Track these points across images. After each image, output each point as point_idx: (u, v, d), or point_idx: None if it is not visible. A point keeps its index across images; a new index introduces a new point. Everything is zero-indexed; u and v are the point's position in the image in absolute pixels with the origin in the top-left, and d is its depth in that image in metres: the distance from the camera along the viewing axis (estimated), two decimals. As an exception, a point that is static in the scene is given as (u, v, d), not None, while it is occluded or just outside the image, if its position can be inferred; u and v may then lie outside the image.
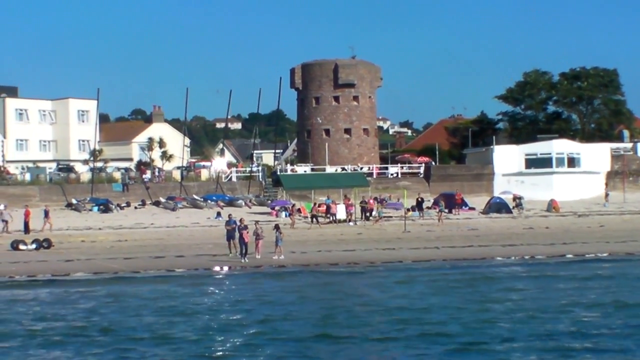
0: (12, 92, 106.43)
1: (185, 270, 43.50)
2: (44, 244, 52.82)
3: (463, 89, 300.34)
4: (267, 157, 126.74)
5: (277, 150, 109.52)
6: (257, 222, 46.79)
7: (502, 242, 54.20)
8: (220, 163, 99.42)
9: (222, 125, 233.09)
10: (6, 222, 62.94)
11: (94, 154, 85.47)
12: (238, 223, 46.16)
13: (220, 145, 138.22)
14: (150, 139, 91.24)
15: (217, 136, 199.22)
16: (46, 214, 65.22)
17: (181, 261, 46.41)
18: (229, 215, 50.57)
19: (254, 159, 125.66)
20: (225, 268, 44.21)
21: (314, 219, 68.47)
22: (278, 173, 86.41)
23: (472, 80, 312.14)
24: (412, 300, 33.41)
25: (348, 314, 30.40)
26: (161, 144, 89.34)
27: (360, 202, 71.50)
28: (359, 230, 63.16)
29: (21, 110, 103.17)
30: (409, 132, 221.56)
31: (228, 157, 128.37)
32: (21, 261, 46.61)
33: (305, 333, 27.04)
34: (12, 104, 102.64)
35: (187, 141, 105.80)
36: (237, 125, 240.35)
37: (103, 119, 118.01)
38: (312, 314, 30.68)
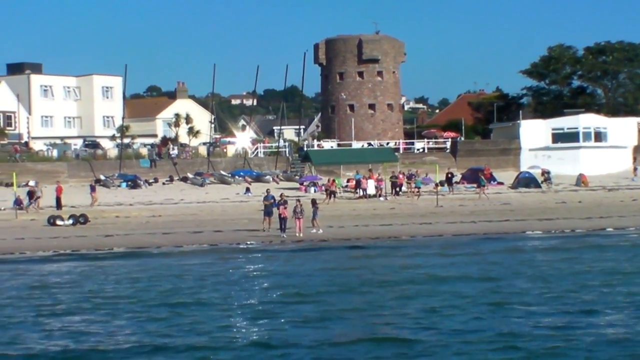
0: (37, 68, 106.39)
1: (228, 244, 43.58)
2: (80, 220, 52.94)
3: (484, 65, 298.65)
4: (288, 132, 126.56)
5: (299, 126, 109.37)
6: (298, 199, 46.70)
7: (537, 217, 54.08)
8: (244, 139, 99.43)
9: (238, 101, 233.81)
10: (38, 197, 63.02)
11: (122, 130, 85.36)
12: (278, 198, 46.09)
13: (242, 122, 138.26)
14: (177, 115, 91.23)
15: (232, 112, 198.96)
16: (92, 189, 65.30)
17: (220, 236, 46.46)
18: (267, 190, 50.56)
19: (276, 134, 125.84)
20: (264, 242, 44.21)
21: (332, 195, 67.91)
22: (306, 148, 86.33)
23: (493, 55, 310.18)
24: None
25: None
26: (188, 119, 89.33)
27: (390, 177, 71.42)
28: (391, 205, 63.10)
29: (46, 86, 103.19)
30: (425, 108, 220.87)
31: (250, 133, 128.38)
32: (61, 236, 46.74)
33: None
34: (37, 80, 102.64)
35: (212, 117, 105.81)
36: (251, 102, 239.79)
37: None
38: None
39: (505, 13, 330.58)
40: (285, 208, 44.91)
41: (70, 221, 52.50)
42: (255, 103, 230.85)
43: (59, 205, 62.27)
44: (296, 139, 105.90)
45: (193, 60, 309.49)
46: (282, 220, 44.75)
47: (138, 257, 39.91)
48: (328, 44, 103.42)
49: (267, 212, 46.19)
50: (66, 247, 42.83)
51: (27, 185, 73.15)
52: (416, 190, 69.40)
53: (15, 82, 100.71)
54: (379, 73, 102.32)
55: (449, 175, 73.95)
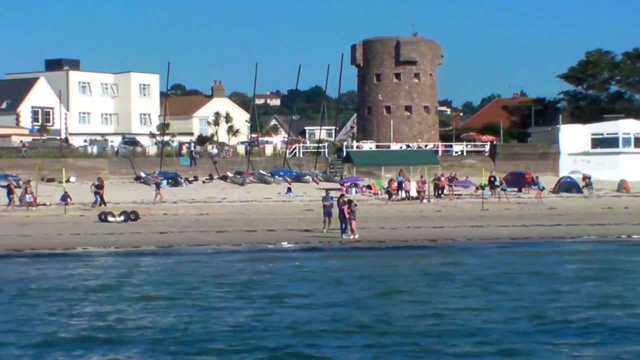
0: (75, 65, 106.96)
1: (288, 244, 43.72)
2: (131, 216, 53.11)
3: (517, 68, 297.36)
4: (319, 133, 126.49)
5: (331, 127, 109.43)
6: (351, 201, 46.73)
7: (587, 222, 53.90)
8: (278, 139, 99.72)
9: (262, 101, 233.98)
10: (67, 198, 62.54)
11: (163, 128, 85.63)
12: (341, 200, 46.01)
13: (273, 121, 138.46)
14: (217, 114, 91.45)
15: (257, 112, 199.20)
16: (157, 186, 65.64)
17: (275, 235, 46.46)
18: (326, 191, 50.54)
19: (307, 135, 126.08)
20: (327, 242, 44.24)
21: (390, 196, 68.22)
22: (346, 149, 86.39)
23: (526, 59, 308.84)
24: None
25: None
26: (228, 118, 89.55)
27: (433, 180, 71.37)
28: (437, 208, 63.05)
29: (84, 83, 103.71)
30: (448, 111, 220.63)
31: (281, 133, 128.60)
32: (115, 232, 46.89)
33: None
34: (75, 77, 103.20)
35: (247, 116, 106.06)
36: (276, 102, 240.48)
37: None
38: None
39: (540, 17, 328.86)
40: (347, 209, 44.80)
41: (122, 218, 52.69)
42: (276, 103, 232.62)
43: (101, 201, 62.36)
44: (327, 139, 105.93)
45: (219, 59, 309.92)
46: (343, 221, 44.69)
47: (214, 254, 40.04)
48: (365, 45, 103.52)
49: (327, 213, 46.13)
50: (125, 243, 42.99)
51: (68, 180, 73.54)
52: (504, 193, 69.21)
53: (54, 78, 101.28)
54: (416, 75, 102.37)
55: (492, 179, 73.79)
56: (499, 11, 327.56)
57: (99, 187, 61.45)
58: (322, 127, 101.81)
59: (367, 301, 27.93)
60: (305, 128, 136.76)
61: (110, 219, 52.43)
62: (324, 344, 21.67)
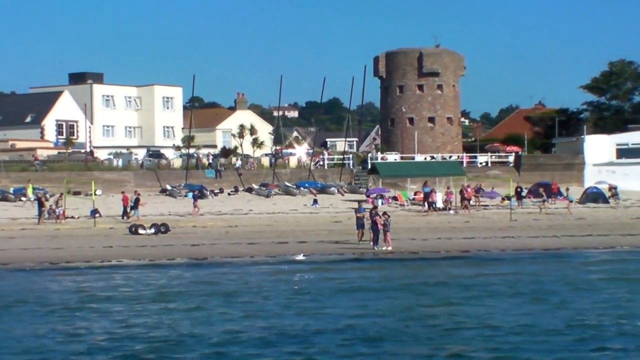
0: (98, 78, 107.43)
1: (320, 255, 43.72)
2: (161, 229, 53.22)
3: (535, 79, 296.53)
4: (341, 145, 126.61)
5: (353, 139, 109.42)
6: (385, 212, 46.71)
7: (618, 232, 53.72)
8: (301, 151, 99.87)
9: (280, 113, 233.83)
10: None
11: (188, 140, 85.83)
12: (373, 211, 45.98)
13: (295, 133, 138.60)
14: (242, 126, 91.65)
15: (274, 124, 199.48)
16: (195, 198, 66.23)
17: (308, 247, 46.47)
18: (359, 203, 50.61)
19: (329, 146, 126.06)
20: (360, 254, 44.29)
21: (431, 206, 68.28)
22: (371, 160, 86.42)
23: (545, 70, 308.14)
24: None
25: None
26: (252, 131, 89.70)
27: (460, 191, 71.29)
28: (466, 219, 62.98)
29: (108, 96, 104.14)
30: (466, 122, 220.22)
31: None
32: (147, 245, 47.01)
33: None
34: (99, 90, 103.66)
35: (269, 128, 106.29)
36: (294, 114, 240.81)
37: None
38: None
39: (557, 29, 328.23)
40: (379, 220, 44.80)
41: (152, 230, 52.80)
42: (294, 114, 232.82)
43: (125, 214, 62.55)
44: (351, 151, 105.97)
45: (236, 72, 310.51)
46: (376, 232, 44.68)
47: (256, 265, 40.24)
48: (388, 57, 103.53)
49: (360, 225, 46.10)
50: (160, 255, 43.08)
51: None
52: (569, 203, 69.05)
53: (78, 92, 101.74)
54: (439, 86, 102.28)
55: (518, 190, 73.66)
56: (516, 22, 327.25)
57: (136, 201, 61.64)
58: (337, 140, 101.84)
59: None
60: (327, 140, 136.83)
61: (140, 231, 52.56)
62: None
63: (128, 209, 62.77)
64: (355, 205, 55.88)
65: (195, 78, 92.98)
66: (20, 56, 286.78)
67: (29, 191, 67.74)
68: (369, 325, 25.68)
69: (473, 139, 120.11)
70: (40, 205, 60.03)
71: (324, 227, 56.77)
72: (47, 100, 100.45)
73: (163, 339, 23.96)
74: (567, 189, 74.49)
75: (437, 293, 32.11)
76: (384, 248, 44.65)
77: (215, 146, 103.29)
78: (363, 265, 40.92)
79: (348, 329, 25.22)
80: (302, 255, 43.66)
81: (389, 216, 45.88)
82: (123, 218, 61.80)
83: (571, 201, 69.87)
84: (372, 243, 45.07)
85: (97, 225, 57.46)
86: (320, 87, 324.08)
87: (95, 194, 73.20)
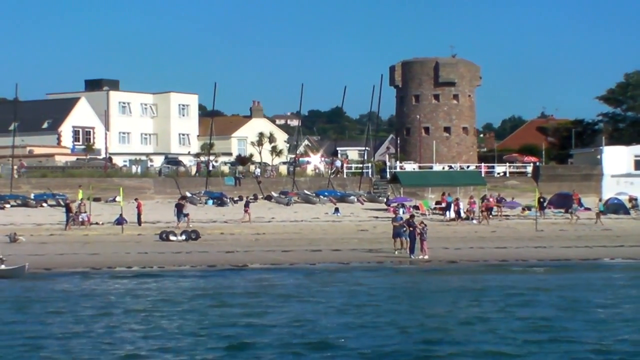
0: (114, 85, 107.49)
1: (359, 263, 43.75)
2: (192, 236, 53.18)
3: (541, 90, 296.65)
4: (352, 154, 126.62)
5: (362, 148, 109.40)
6: (421, 221, 46.70)
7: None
8: (316, 159, 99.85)
9: (282, 122, 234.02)
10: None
11: (208, 147, 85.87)
12: (411, 220, 46.00)
13: (306, 141, 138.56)
14: (261, 134, 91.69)
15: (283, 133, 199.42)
16: (247, 204, 66.29)
17: (341, 255, 46.44)
18: (395, 212, 50.55)
19: (339, 155, 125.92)
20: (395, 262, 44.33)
21: (456, 216, 68.32)
22: (390, 169, 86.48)
23: (552, 81, 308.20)
24: None
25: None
26: (271, 139, 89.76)
27: (482, 200, 71.25)
28: (492, 228, 62.95)
29: (124, 103, 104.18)
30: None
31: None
32: (182, 251, 46.99)
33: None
34: (115, 97, 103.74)
35: (284, 136, 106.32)
36: (296, 122, 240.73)
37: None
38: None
39: (566, 40, 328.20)
40: (414, 229, 44.83)
41: (183, 237, 52.76)
42: (297, 123, 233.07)
43: (139, 221, 62.49)
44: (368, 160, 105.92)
45: (249, 80, 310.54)
46: (412, 241, 44.70)
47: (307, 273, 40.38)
48: (404, 67, 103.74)
49: (397, 234, 46.06)
50: (200, 262, 43.05)
51: (114, 200, 73.85)
52: (600, 214, 69.00)
53: (94, 99, 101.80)
54: (455, 96, 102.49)
55: (541, 200, 73.64)
56: (524, 33, 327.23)
57: (180, 207, 61.59)
58: (348, 149, 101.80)
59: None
60: (338, 149, 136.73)
61: (172, 238, 52.50)
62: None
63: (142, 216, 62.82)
64: (382, 214, 55.90)
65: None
66: (34, 63, 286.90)
67: (79, 196, 67.48)
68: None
69: (485, 149, 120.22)
70: (68, 211, 60.00)
71: (352, 236, 56.73)
72: (64, 107, 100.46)
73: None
74: (600, 200, 74.44)
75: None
76: (421, 257, 44.63)
77: (230, 154, 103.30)
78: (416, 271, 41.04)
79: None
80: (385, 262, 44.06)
81: (425, 225, 45.92)
82: (139, 225, 61.70)
83: (602, 212, 69.59)
84: (408, 252, 45.06)
85: (125, 231, 57.40)
86: (323, 95, 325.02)
87: (116, 201, 73.66)
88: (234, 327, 26.26)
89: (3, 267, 37.79)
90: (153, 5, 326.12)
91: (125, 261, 42.86)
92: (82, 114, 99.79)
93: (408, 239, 45.16)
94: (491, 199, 72.81)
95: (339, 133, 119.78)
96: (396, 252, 45.93)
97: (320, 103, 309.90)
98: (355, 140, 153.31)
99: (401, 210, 73.01)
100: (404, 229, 45.35)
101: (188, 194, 78.54)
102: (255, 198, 79.81)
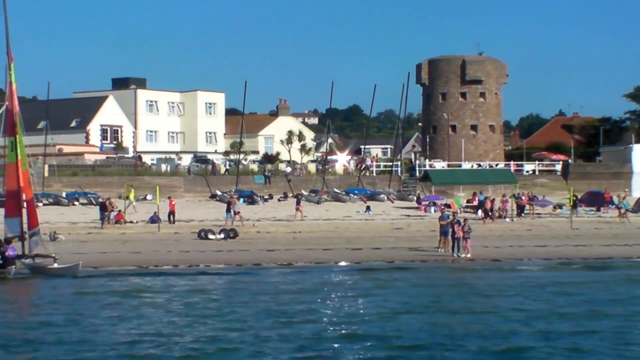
0: (141, 83, 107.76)
1: (403, 261, 43.77)
2: (230, 234, 53.26)
3: (563, 88, 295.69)
4: (374, 151, 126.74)
5: (387, 146, 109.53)
6: (465, 219, 46.69)
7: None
8: (343, 157, 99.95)
9: (300, 119, 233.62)
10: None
11: (239, 145, 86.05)
12: (455, 219, 46.00)
13: (330, 140, 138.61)
14: (290, 132, 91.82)
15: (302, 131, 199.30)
16: (299, 202, 67.13)
17: (383, 253, 46.44)
18: (442, 210, 50.54)
19: (363, 153, 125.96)
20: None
21: (489, 214, 68.19)
22: (418, 167, 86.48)
23: (574, 78, 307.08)
24: None
25: None
26: (300, 137, 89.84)
27: (516, 199, 71.15)
28: (526, 227, 62.82)
29: (151, 101, 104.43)
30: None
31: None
32: (224, 250, 47.07)
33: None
34: (142, 95, 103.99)
35: (311, 134, 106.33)
36: (314, 120, 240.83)
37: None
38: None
39: (585, 38, 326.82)
40: (459, 227, 44.83)
41: (222, 235, 52.84)
42: (314, 121, 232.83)
43: (171, 219, 62.60)
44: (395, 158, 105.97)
45: (271, 78, 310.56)
46: (456, 240, 44.70)
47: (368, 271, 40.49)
48: (431, 65, 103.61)
49: (444, 232, 46.06)
50: (245, 260, 43.11)
51: (144, 198, 74.08)
52: (624, 212, 68.84)
53: (122, 97, 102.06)
54: (482, 94, 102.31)
55: (575, 199, 73.38)
56: (549, 30, 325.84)
57: (229, 204, 61.70)
58: (371, 147, 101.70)
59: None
60: (361, 147, 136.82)
61: (210, 236, 52.58)
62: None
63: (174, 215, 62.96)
64: (413, 212, 55.67)
65: (247, 84, 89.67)
66: (62, 61, 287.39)
67: (132, 196, 67.70)
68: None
69: (509, 147, 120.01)
70: (104, 209, 60.14)
71: (388, 234, 56.68)
72: (92, 105, 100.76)
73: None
74: (624, 197, 74.15)
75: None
76: (464, 255, 44.62)
77: (257, 152, 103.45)
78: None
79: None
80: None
81: (469, 223, 45.89)
82: (171, 223, 61.78)
83: (627, 209, 69.43)
84: (451, 250, 45.06)
85: (161, 230, 57.52)
86: (340, 93, 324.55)
87: (147, 199, 73.87)
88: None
89: (56, 265, 37.88)
90: (180, 3, 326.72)
91: (170, 259, 42.96)
92: (109, 113, 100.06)
93: (451, 238, 45.16)
94: (523, 197, 72.71)
95: (355, 131, 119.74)
96: (440, 251, 45.93)
97: (337, 101, 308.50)
98: (375, 138, 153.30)
99: (432, 209, 73.27)
100: (450, 227, 45.36)
101: (218, 192, 78.86)
102: (285, 196, 79.93)
